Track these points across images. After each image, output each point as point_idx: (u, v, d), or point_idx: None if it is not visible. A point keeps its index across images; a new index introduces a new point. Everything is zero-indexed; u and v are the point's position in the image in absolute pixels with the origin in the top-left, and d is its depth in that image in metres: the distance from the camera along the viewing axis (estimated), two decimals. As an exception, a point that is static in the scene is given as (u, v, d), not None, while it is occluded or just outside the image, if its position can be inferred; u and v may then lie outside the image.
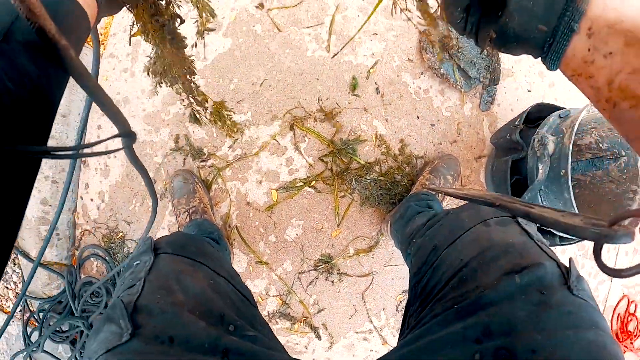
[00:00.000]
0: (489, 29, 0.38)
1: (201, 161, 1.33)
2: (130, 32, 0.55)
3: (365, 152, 1.29)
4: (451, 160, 1.29)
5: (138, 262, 0.66)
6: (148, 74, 0.62)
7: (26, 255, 1.38)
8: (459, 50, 1.33)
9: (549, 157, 1.06)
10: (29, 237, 1.43)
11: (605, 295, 1.51)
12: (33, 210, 1.46)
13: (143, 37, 0.56)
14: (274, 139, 1.28)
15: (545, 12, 0.34)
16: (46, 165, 1.45)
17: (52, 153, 0.27)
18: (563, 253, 1.42)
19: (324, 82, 1.27)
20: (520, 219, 0.66)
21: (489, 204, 0.39)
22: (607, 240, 0.28)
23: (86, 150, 0.38)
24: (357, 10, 1.28)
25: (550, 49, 0.36)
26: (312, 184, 1.28)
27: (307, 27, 1.27)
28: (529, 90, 1.44)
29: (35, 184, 1.45)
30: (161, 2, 0.53)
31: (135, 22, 0.54)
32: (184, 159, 1.33)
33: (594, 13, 0.32)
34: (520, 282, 0.50)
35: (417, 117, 1.31)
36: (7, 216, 0.26)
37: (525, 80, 1.44)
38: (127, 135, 0.44)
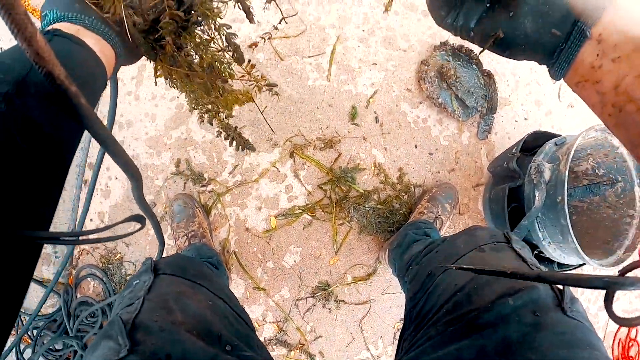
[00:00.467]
0: (495, 29, 0.38)
1: (201, 186, 1.34)
2: (156, 76, 0.56)
3: (364, 181, 1.30)
4: (449, 189, 1.30)
5: (137, 281, 0.67)
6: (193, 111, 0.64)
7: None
8: (457, 80, 1.36)
9: (546, 184, 1.07)
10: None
11: (606, 321, 1.52)
12: (32, 229, 1.46)
13: (167, 81, 0.58)
14: (274, 166, 1.29)
15: (562, 17, 0.34)
16: None
17: (60, 239, 0.28)
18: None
19: (324, 110, 1.29)
20: (514, 245, 0.68)
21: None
22: (618, 287, 0.29)
23: (93, 236, 0.38)
24: (357, 41, 1.31)
25: (560, 55, 0.36)
26: (311, 211, 1.29)
27: (309, 57, 1.29)
28: (525, 119, 1.46)
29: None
30: (180, 53, 0.54)
31: (157, 69, 0.55)
32: (185, 183, 1.34)
33: (606, 19, 0.33)
34: (514, 304, 0.51)
35: (416, 146, 1.32)
36: (7, 301, 0.26)
37: (522, 109, 1.46)
38: (138, 187, 0.44)
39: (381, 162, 1.30)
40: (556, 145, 1.16)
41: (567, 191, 1.31)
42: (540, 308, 0.50)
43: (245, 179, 1.31)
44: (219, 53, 0.58)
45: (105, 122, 0.45)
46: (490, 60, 1.43)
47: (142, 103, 1.40)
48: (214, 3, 0.52)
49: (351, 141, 1.29)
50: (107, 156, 1.33)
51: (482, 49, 0.41)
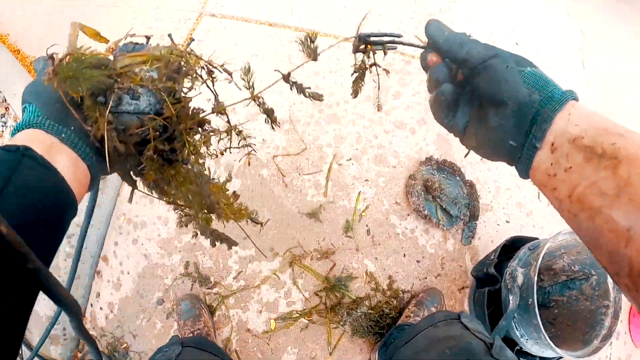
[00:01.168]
0: (474, 134, 0.44)
1: (207, 288, 1.46)
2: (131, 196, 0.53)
3: (356, 288, 1.42)
4: (435, 293, 1.42)
5: (167, 349, 0.89)
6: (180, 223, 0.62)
7: (30, 347, 1.49)
8: (442, 192, 1.50)
9: (519, 288, 1.19)
10: (36, 331, 1.55)
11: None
12: (44, 308, 1.59)
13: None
14: (275, 274, 1.42)
15: (516, 130, 0.39)
16: (64, 270, 1.58)
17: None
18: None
19: (321, 224, 1.43)
20: (463, 319, 0.86)
21: None
22: None
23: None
24: (351, 159, 1.45)
25: (519, 161, 0.40)
26: (307, 315, 1.40)
27: (307, 174, 1.44)
28: (507, 222, 1.59)
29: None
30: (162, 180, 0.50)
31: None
32: (192, 284, 1.46)
33: (558, 127, 0.36)
34: (451, 355, 0.68)
35: (404, 255, 1.45)
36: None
37: (503, 213, 1.59)
38: (78, 319, 0.40)
39: (372, 270, 1.42)
40: (530, 250, 1.28)
41: (548, 287, 1.43)
42: (472, 354, 0.65)
43: (248, 284, 1.43)
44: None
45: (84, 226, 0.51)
46: (472, 170, 1.57)
47: (156, 206, 1.54)
48: (204, 132, 0.51)
49: (345, 252, 1.42)
50: (114, 250, 1.52)
51: (466, 153, 0.49)
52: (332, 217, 1.43)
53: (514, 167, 0.43)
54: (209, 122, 0.51)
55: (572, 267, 1.39)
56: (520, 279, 1.21)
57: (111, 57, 0.45)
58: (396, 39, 0.49)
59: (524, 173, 0.41)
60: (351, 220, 1.43)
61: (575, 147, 0.34)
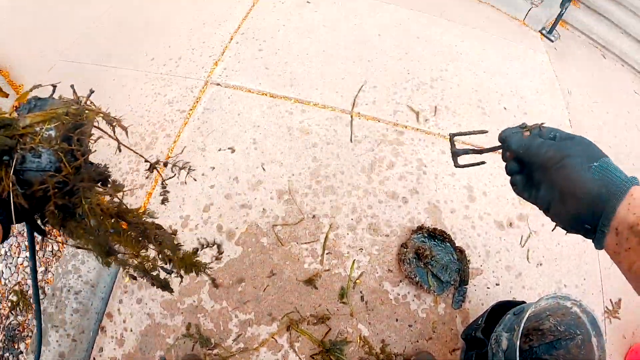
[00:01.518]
0: (554, 217, 0.53)
1: (208, 349, 1.53)
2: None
3: (351, 352, 1.48)
4: (427, 356, 1.48)
5: None
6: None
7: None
8: (432, 258, 1.58)
9: (503, 352, 1.25)
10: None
11: None
12: (52, 361, 1.65)
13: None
14: (273, 338, 1.49)
15: (590, 216, 0.48)
16: (70, 325, 1.65)
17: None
18: None
19: (317, 291, 1.50)
20: None
21: None
22: None
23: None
24: (347, 229, 1.54)
25: (594, 239, 0.49)
26: (303, 379, 1.46)
27: (305, 243, 1.52)
28: (497, 284, 1.66)
29: (56, 338, 1.64)
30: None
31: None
32: (193, 345, 1.53)
33: (620, 216, 0.45)
34: None
35: (397, 320, 1.52)
36: None
37: (493, 276, 1.66)
38: None
39: (366, 335, 1.49)
40: (514, 315, 1.35)
41: (536, 348, 1.49)
42: None
43: (247, 346, 1.50)
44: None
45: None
46: (462, 236, 1.65)
47: (161, 268, 1.62)
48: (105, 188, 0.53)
49: (340, 317, 1.49)
50: (118, 307, 1.60)
51: (553, 227, 0.57)
52: (328, 284, 1.51)
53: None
54: (108, 177, 0.54)
55: (559, 328, 1.46)
56: (504, 344, 1.27)
57: (15, 114, 0.49)
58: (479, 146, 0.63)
59: (598, 247, 0.49)
60: (346, 287, 1.51)
61: (632, 232, 0.44)
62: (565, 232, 0.53)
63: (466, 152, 0.67)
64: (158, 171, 0.63)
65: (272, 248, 1.53)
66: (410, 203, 1.59)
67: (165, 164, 0.65)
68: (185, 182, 1.69)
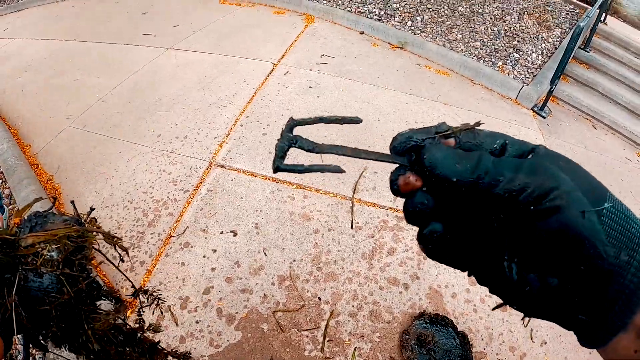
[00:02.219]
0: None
1: None
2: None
3: None
4: None
5: None
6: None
7: None
8: (435, 344, 1.56)
9: None
10: None
11: None
12: None
13: None
14: None
15: (593, 303, 0.28)
16: None
17: None
18: None
19: (318, 382, 1.47)
20: None
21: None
22: None
23: None
24: (348, 316, 1.54)
25: (587, 336, 0.30)
26: None
27: (306, 330, 1.52)
28: (502, 369, 1.63)
29: None
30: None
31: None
32: None
33: None
34: None
35: (400, 414, 1.47)
36: None
37: (497, 358, 1.63)
38: None
39: None
40: None
41: None
42: None
43: None
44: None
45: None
46: (464, 320, 1.64)
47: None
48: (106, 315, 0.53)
49: (341, 412, 1.45)
50: None
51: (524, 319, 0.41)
52: (330, 374, 1.49)
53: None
54: (117, 298, 0.55)
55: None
56: None
57: (16, 230, 0.49)
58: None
59: (592, 346, 0.31)
60: (347, 378, 1.48)
61: None
62: (528, 319, 0.32)
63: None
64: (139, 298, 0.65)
65: (273, 334, 1.52)
66: (412, 288, 1.60)
67: (146, 292, 0.65)
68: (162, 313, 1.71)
